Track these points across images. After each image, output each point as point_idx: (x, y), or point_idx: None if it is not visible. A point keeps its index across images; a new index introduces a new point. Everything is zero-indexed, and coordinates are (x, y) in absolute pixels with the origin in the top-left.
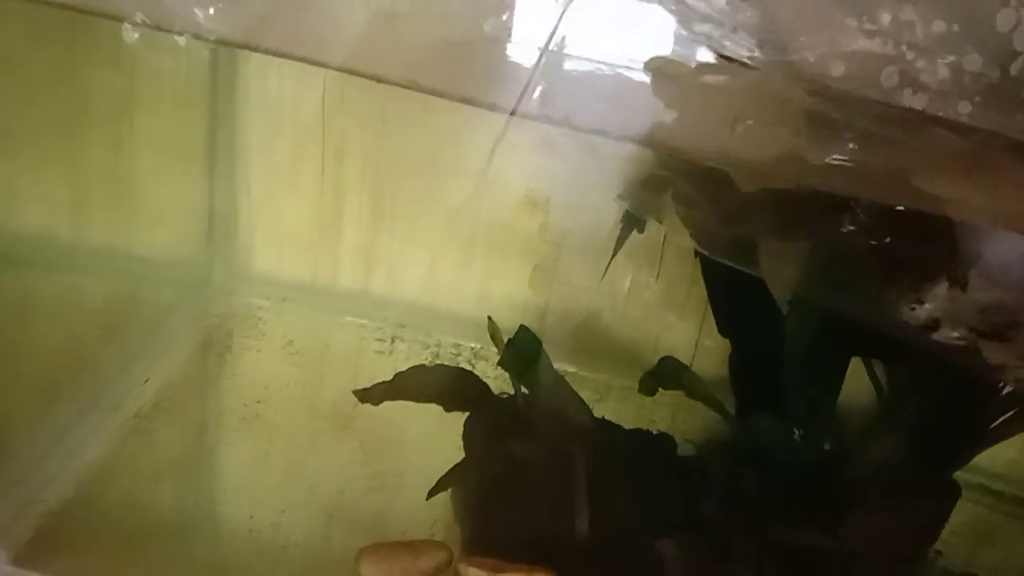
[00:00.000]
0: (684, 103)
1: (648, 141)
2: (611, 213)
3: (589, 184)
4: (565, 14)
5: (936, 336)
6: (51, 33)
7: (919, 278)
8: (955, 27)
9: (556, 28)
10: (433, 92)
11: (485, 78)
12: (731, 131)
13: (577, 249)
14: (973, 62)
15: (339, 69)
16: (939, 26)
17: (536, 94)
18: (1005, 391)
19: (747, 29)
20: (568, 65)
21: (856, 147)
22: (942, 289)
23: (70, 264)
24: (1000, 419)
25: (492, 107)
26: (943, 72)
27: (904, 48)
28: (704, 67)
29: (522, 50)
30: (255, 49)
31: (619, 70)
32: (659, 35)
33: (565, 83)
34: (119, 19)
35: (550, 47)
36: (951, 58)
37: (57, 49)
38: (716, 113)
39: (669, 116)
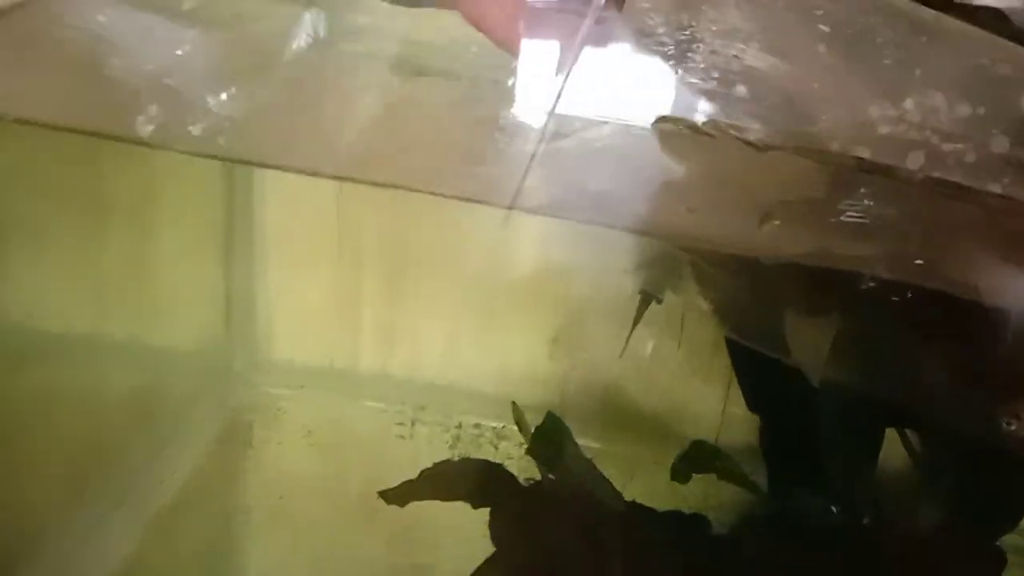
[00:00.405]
0: (703, 195)
1: (667, 234)
2: (629, 281)
3: (606, 251)
4: (564, 90)
5: None
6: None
7: (1011, 390)
8: (980, 110)
9: (554, 109)
10: (432, 195)
11: (486, 172)
12: (758, 227)
13: (597, 319)
14: (1001, 144)
15: (335, 178)
16: (964, 110)
17: (538, 180)
18: None
19: (764, 117)
20: (570, 145)
21: (886, 235)
22: None
23: (91, 359)
24: None
25: (492, 202)
26: (970, 155)
27: (929, 132)
28: (719, 148)
29: (524, 135)
30: (250, 163)
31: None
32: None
33: (567, 170)
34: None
35: (550, 126)
36: (978, 141)
37: (73, 138)
38: (740, 205)
39: (687, 209)
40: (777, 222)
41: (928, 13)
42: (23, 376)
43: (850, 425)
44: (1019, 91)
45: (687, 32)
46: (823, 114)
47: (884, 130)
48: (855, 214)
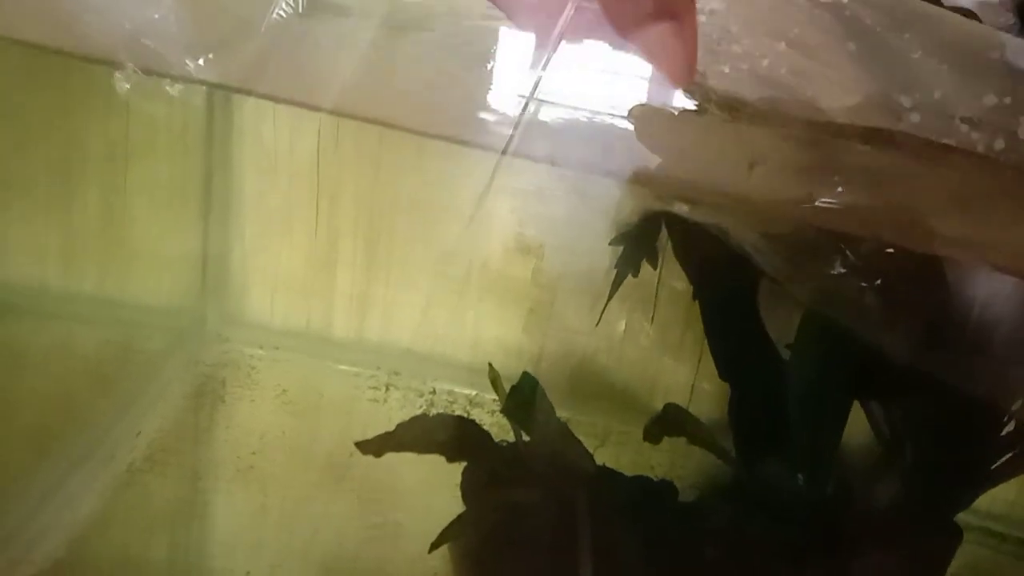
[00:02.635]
0: (673, 147)
1: (659, 182)
2: (604, 256)
3: (582, 228)
4: (550, 62)
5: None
6: (44, 80)
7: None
8: (1007, 100)
9: (540, 76)
10: (422, 132)
11: (473, 118)
12: (747, 174)
13: (571, 293)
14: None
15: (330, 112)
16: (990, 99)
17: (522, 138)
18: (1004, 432)
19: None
20: (554, 112)
21: (854, 186)
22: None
23: (62, 313)
24: (1000, 460)
25: (481, 145)
26: (999, 142)
27: (958, 121)
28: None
29: (507, 99)
30: (247, 93)
31: (606, 116)
32: (642, 82)
33: (552, 128)
34: (111, 63)
35: (535, 95)
36: (1006, 128)
37: (50, 96)
38: (730, 153)
39: (658, 162)
40: (761, 169)
41: (953, 17)
42: None
43: (816, 395)
44: None
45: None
46: (849, 108)
47: (914, 120)
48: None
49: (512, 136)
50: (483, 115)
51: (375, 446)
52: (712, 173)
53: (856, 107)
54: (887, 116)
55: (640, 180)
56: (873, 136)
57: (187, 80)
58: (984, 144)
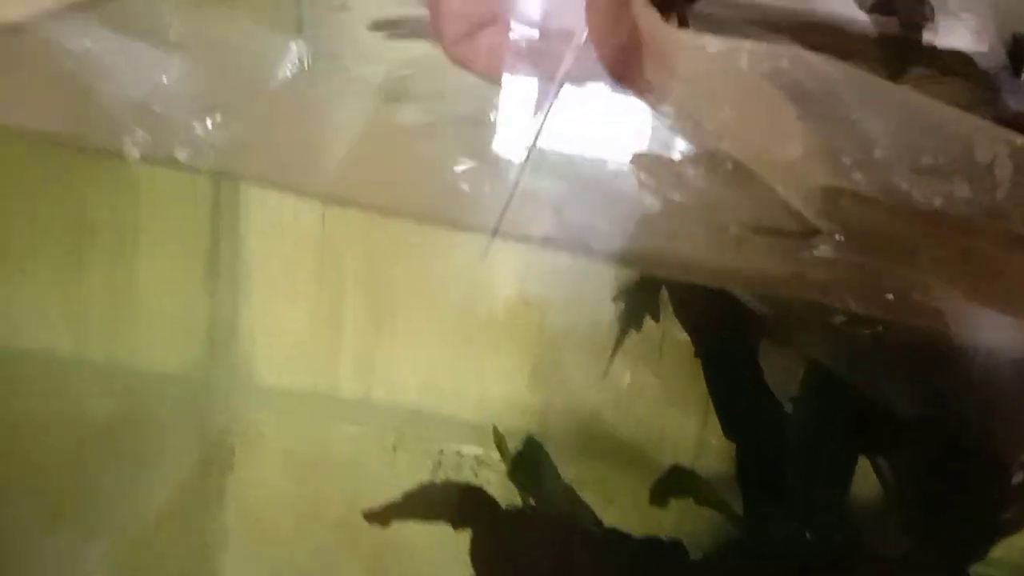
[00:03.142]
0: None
1: (649, 262)
2: (608, 311)
3: (586, 282)
4: (544, 125)
5: None
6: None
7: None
8: (941, 159)
9: (535, 142)
10: (416, 217)
11: (468, 198)
12: (736, 250)
13: (576, 347)
14: (963, 190)
15: (323, 196)
16: (928, 159)
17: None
18: (1015, 482)
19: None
20: (552, 178)
21: (851, 263)
22: None
23: (71, 380)
24: (1012, 509)
25: (476, 228)
26: (937, 200)
27: (897, 180)
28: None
29: (505, 167)
30: (240, 178)
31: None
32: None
33: (552, 198)
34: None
35: (531, 159)
36: (943, 187)
37: (58, 160)
38: (718, 233)
39: (663, 231)
40: (752, 244)
41: (886, 84)
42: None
43: (821, 450)
44: (973, 144)
45: None
46: (794, 167)
47: (856, 177)
48: (827, 247)
49: (504, 209)
50: (480, 193)
51: (382, 515)
52: (705, 238)
53: (800, 160)
54: (830, 172)
55: (634, 257)
56: (861, 203)
57: (191, 168)
58: (924, 201)
